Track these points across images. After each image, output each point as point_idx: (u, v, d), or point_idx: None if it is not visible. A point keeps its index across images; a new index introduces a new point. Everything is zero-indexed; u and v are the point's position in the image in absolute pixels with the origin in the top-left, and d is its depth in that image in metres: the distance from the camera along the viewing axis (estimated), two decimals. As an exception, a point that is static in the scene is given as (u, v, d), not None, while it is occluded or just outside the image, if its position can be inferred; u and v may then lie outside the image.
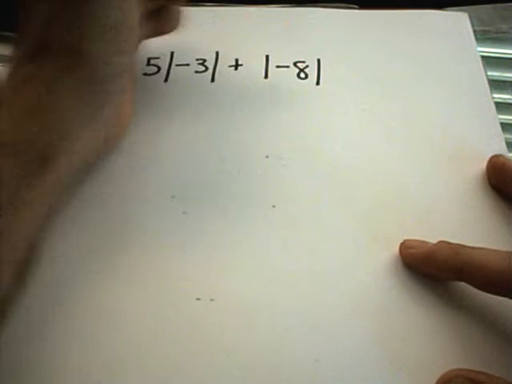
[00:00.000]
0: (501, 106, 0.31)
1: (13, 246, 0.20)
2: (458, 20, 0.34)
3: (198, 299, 0.23)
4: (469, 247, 0.22)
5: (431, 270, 0.23)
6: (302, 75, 0.31)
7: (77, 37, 0.21)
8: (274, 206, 0.26)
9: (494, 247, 0.21)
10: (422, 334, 0.22)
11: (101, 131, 0.24)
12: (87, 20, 0.21)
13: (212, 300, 0.23)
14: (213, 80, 0.31)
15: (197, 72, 0.32)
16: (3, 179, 0.20)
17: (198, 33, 0.33)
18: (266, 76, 0.31)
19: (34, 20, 0.22)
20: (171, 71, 0.32)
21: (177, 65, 0.32)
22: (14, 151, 0.20)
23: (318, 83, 0.31)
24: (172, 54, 0.33)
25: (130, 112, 0.27)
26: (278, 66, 0.32)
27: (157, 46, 0.32)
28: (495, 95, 0.31)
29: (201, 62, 0.32)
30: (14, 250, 0.20)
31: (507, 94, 0.34)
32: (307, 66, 0.32)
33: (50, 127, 0.21)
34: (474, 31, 0.33)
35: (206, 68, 0.32)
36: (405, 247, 0.24)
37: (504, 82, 0.35)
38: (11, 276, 0.21)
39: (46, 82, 0.21)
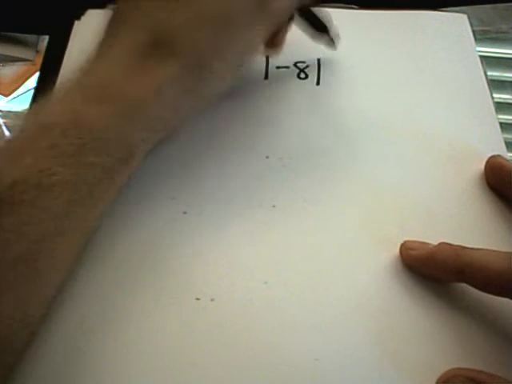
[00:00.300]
0: (501, 106, 0.31)
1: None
2: (457, 21, 0.34)
3: (198, 299, 0.23)
4: (469, 248, 0.22)
5: (432, 271, 0.23)
6: (302, 75, 0.31)
7: (211, 44, 0.22)
8: (274, 206, 0.26)
9: (493, 247, 0.21)
10: (422, 335, 0.22)
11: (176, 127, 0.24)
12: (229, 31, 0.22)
13: (212, 300, 0.23)
14: (213, 80, 0.31)
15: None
16: (89, 175, 0.20)
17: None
18: (267, 76, 0.31)
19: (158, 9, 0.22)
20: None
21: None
22: (104, 148, 0.21)
23: (318, 83, 0.31)
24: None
25: None
26: (278, 67, 0.32)
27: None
28: (495, 95, 0.31)
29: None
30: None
31: (507, 93, 0.34)
32: (307, 67, 0.32)
33: (146, 126, 0.22)
34: (474, 31, 0.33)
35: (206, 68, 0.32)
36: (405, 248, 0.24)
37: (504, 82, 0.35)
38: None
39: (164, 79, 0.21)
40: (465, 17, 0.34)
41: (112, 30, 0.22)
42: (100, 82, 0.21)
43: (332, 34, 0.30)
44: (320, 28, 0.30)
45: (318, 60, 0.32)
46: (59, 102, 0.21)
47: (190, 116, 0.24)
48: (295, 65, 0.32)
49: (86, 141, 0.20)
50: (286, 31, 0.28)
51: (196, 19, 0.21)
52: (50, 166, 0.19)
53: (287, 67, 0.32)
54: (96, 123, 0.20)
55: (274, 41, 0.27)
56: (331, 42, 0.31)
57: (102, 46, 0.22)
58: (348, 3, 0.35)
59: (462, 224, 0.25)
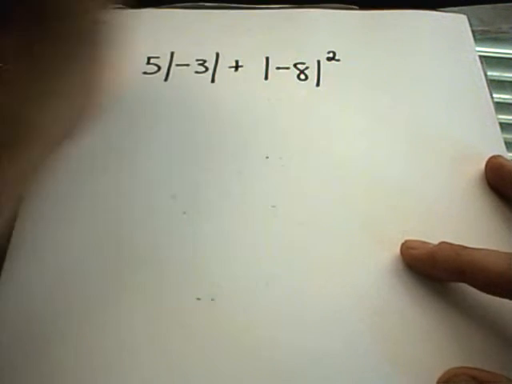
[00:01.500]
0: (501, 106, 0.31)
1: None
2: (456, 21, 0.34)
3: (198, 299, 0.23)
4: (470, 248, 0.22)
5: (432, 271, 0.23)
6: (302, 76, 0.31)
7: None
8: (273, 206, 0.26)
9: (493, 247, 0.21)
10: (422, 335, 0.22)
11: (74, 104, 0.23)
12: None
13: (212, 300, 0.23)
14: (213, 81, 0.31)
15: (197, 72, 0.32)
16: None
17: (198, 33, 0.33)
18: (266, 77, 0.31)
19: None
20: (171, 71, 0.32)
21: (177, 65, 0.32)
22: None
23: (318, 84, 0.31)
24: (172, 53, 0.33)
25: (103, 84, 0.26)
26: (278, 68, 0.32)
27: (157, 45, 0.33)
28: (495, 95, 0.31)
29: (201, 62, 0.32)
30: None
31: (507, 93, 0.34)
32: (307, 68, 0.32)
33: (28, 101, 0.21)
34: (474, 31, 0.33)
35: (206, 68, 0.32)
36: (406, 248, 0.24)
37: (504, 82, 0.35)
38: None
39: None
40: (464, 17, 0.34)
41: None
42: None
43: None
44: None
45: (318, 61, 0.32)
46: None
47: None
48: (295, 66, 0.32)
49: None
50: None
51: None
52: None
53: (287, 68, 0.32)
54: None
55: None
56: None
57: None
58: (348, 3, 0.35)
59: (462, 224, 0.25)
